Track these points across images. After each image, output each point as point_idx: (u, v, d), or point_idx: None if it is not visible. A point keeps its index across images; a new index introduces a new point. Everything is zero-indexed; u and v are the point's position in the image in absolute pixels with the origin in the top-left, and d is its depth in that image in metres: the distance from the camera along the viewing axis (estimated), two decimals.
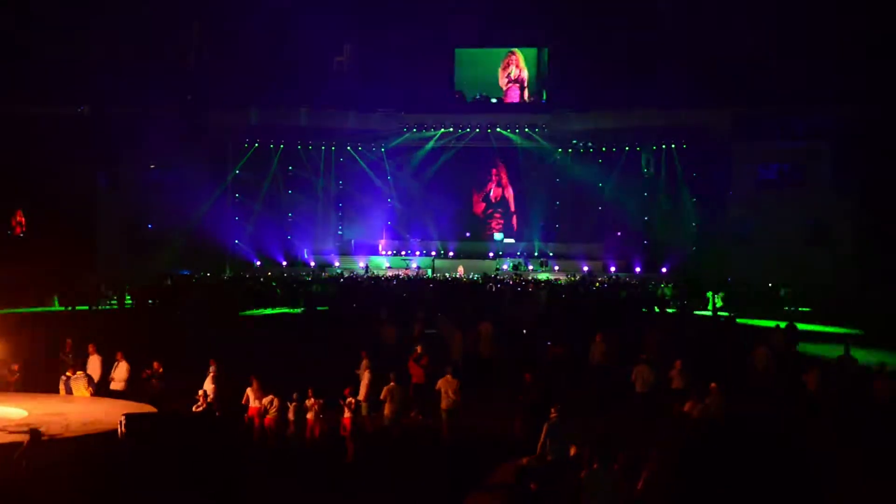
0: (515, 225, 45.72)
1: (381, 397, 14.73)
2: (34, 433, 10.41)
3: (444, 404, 14.77)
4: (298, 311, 30.30)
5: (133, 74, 37.89)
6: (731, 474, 11.35)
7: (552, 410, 12.09)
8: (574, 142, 43.29)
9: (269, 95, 41.62)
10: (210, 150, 41.86)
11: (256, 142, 43.28)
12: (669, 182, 41.60)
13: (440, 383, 15.00)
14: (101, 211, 40.00)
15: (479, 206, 46.10)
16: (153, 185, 41.36)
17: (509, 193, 45.88)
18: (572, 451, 10.98)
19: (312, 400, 13.91)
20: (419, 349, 17.20)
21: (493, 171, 45.73)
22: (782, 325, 20.84)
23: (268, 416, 14.11)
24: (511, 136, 43.70)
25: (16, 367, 15.82)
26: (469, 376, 16.55)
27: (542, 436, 11.79)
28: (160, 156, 40.95)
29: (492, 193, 45.97)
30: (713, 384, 14.03)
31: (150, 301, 31.28)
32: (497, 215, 45.99)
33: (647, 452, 10.25)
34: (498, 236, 45.25)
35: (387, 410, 14.68)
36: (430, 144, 44.18)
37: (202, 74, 41.26)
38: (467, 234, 45.21)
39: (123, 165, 40.93)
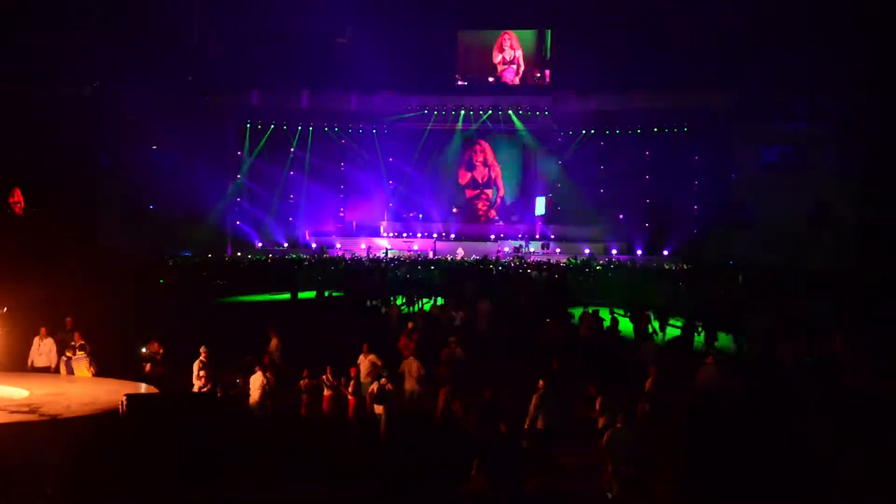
0: (503, 205, 45.87)
1: (400, 370, 15.12)
2: None
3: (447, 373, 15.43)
4: None
5: (134, 54, 37.72)
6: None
7: (540, 381, 12.64)
8: (575, 125, 43.23)
9: (270, 76, 41.50)
10: (211, 131, 41.76)
11: (258, 123, 43.24)
12: (671, 164, 41.47)
13: (445, 352, 15.93)
14: (101, 191, 39.90)
15: (466, 178, 46.03)
16: (154, 165, 41.26)
17: (496, 172, 45.80)
18: (601, 423, 11.78)
19: (307, 380, 14.06)
20: (410, 325, 18.15)
21: (477, 147, 45.55)
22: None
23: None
24: (513, 117, 43.63)
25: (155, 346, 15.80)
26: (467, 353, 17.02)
27: (532, 406, 12.41)
28: (161, 136, 40.83)
29: (479, 175, 45.85)
30: (710, 357, 14.42)
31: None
32: (484, 196, 45.93)
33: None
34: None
35: (407, 385, 15.18)
36: (430, 125, 44.14)
37: (203, 55, 41.07)
38: (454, 210, 45.14)
39: (124, 146, 40.80)
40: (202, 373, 14.54)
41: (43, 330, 16.01)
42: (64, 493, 10.13)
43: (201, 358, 14.78)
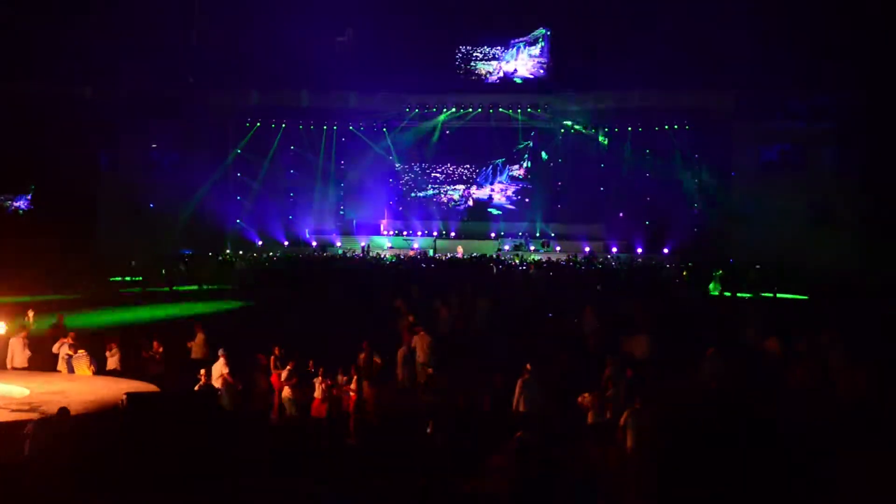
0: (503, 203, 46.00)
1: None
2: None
3: (420, 359, 16.45)
4: None
5: (134, 54, 37.76)
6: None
7: (527, 367, 13.47)
8: (573, 122, 43.29)
9: (270, 76, 41.48)
10: (211, 131, 41.78)
11: (258, 122, 43.29)
12: (671, 163, 41.49)
13: (415, 340, 16.86)
14: (102, 191, 39.97)
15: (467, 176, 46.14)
16: (154, 165, 41.29)
17: (497, 171, 45.79)
18: (580, 400, 12.56)
19: (320, 378, 14.08)
20: (412, 318, 18.63)
21: (477, 145, 45.40)
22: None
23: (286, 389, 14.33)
24: (513, 116, 43.73)
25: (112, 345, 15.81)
26: (463, 350, 18.02)
27: (518, 390, 13.19)
28: (161, 136, 40.86)
29: (480, 173, 45.94)
30: (710, 350, 14.82)
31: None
32: (484, 194, 46.03)
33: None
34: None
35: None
36: (429, 123, 44.20)
37: (203, 54, 41.07)
38: (465, 217, 45.27)
39: (124, 145, 40.84)
40: (202, 371, 14.49)
41: (24, 332, 15.87)
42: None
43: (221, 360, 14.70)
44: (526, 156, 45.18)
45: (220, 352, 14.78)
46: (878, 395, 13.77)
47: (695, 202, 41.05)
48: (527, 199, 45.08)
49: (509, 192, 45.75)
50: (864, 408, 13.46)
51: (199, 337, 16.74)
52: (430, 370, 14.61)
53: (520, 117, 43.94)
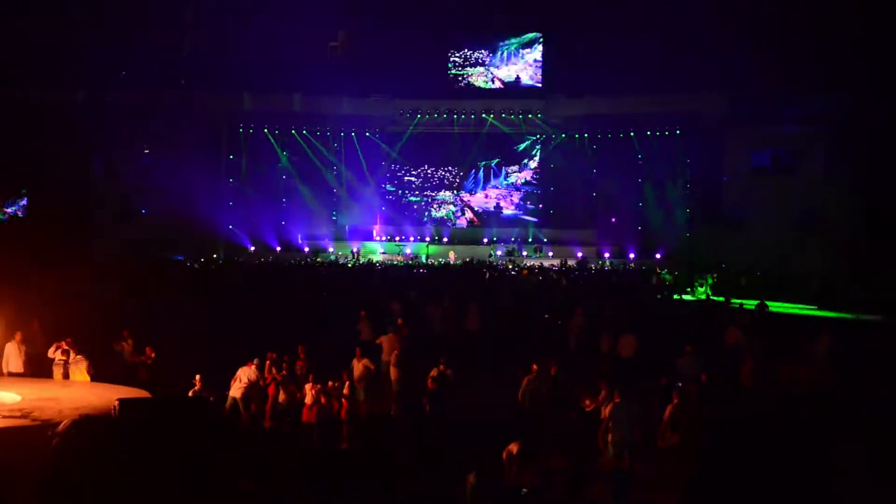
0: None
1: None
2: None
3: (385, 356, 16.92)
4: None
5: (127, 59, 37.72)
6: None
7: (533, 366, 14.03)
8: (566, 128, 43.44)
9: (262, 81, 41.43)
10: (203, 135, 41.69)
11: (250, 127, 43.25)
12: (663, 168, 41.60)
13: (381, 339, 17.46)
14: (94, 195, 39.88)
15: (459, 181, 46.15)
16: (147, 169, 41.19)
17: (489, 176, 45.76)
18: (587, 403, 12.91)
19: (311, 383, 14.05)
20: (400, 321, 19.07)
21: (470, 150, 45.35)
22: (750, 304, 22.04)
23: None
24: (504, 121, 43.78)
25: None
26: (457, 352, 18.30)
27: (523, 388, 13.85)
28: (154, 140, 40.78)
29: (472, 179, 45.89)
30: (688, 347, 15.35)
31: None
32: (475, 200, 46.03)
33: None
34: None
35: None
36: (414, 125, 44.23)
37: (195, 59, 41.03)
38: (466, 224, 45.38)
39: (117, 150, 40.75)
40: (198, 377, 14.42)
41: (18, 335, 15.86)
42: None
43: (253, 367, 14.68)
44: (536, 150, 45.03)
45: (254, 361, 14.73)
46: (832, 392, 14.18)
47: (686, 207, 41.15)
48: (540, 206, 45.06)
49: (515, 199, 45.70)
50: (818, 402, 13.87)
51: (130, 342, 16.55)
52: (442, 366, 14.62)
53: (492, 126, 44.05)
